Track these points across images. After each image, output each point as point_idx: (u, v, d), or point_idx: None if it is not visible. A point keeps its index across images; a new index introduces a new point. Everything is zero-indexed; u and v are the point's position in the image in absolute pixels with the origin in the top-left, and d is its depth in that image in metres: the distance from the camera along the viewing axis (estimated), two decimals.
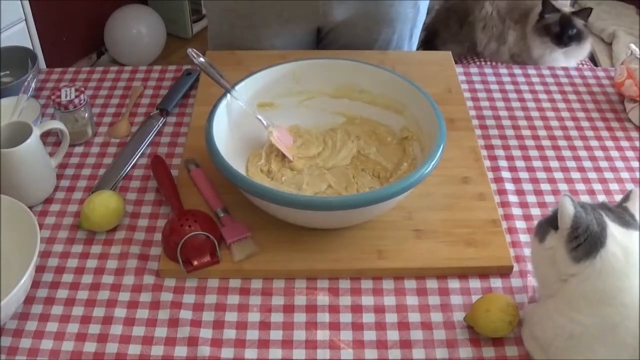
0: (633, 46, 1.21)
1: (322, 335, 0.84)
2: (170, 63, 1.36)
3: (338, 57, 1.09)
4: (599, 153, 1.10)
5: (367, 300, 0.88)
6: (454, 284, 0.90)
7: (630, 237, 0.73)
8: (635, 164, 1.09)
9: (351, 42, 1.29)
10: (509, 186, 1.04)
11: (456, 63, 1.26)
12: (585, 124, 1.16)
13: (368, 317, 0.86)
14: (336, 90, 1.07)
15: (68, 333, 0.84)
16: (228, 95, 0.99)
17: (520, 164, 1.08)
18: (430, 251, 0.92)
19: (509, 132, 1.14)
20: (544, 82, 1.26)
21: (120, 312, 0.86)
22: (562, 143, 1.12)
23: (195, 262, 0.89)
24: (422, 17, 1.35)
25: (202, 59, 0.99)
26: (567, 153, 1.10)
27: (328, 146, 1.05)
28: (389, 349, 0.83)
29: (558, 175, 1.06)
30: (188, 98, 1.20)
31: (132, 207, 1.00)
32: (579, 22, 1.81)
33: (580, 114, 1.18)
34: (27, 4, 2.02)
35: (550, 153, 1.10)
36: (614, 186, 1.04)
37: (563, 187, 1.04)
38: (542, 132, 1.14)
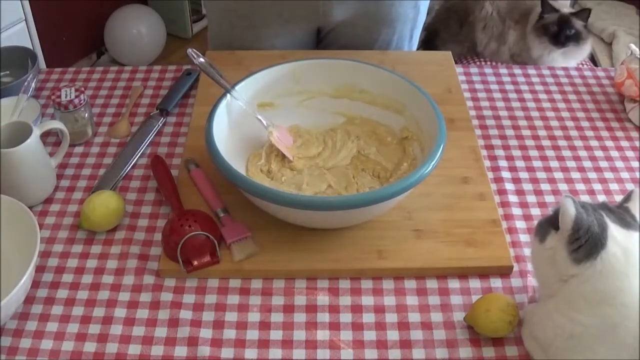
0: (633, 46, 1.21)
1: (322, 335, 0.84)
2: (170, 63, 1.36)
3: (338, 57, 1.09)
4: (599, 153, 1.10)
5: (367, 300, 0.88)
6: (454, 284, 0.90)
7: (631, 238, 0.73)
8: (635, 164, 1.09)
9: (351, 43, 1.29)
10: (509, 186, 1.04)
11: (456, 63, 1.26)
12: (585, 124, 1.16)
13: (368, 317, 0.86)
14: (336, 90, 1.07)
15: (68, 333, 0.84)
16: (228, 95, 0.99)
17: (520, 164, 1.08)
18: (430, 251, 0.92)
19: (509, 132, 1.14)
20: (544, 82, 1.26)
21: (120, 312, 0.86)
22: (562, 143, 1.12)
23: (195, 262, 0.89)
24: (422, 18, 1.35)
25: (202, 59, 0.99)
26: (567, 153, 1.10)
27: (328, 146, 1.05)
28: (389, 349, 0.83)
29: (558, 175, 1.06)
30: (188, 98, 1.20)
31: (132, 207, 1.00)
32: (577, 23, 1.81)
33: (580, 114, 1.18)
34: (27, 4, 2.02)
35: (550, 153, 1.10)
36: (614, 186, 1.04)
37: (563, 187, 1.04)
38: (542, 132, 1.14)
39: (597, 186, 1.04)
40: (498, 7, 1.95)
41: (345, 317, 0.86)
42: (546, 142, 1.12)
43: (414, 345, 0.83)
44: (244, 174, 0.95)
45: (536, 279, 0.84)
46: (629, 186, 1.04)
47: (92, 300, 0.88)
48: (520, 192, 1.03)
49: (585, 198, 1.02)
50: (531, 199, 1.02)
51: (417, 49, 1.44)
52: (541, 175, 1.06)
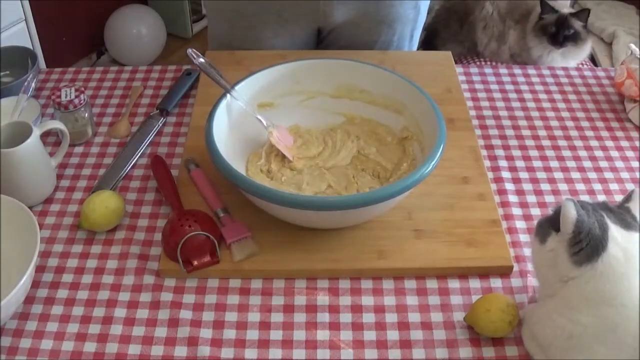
0: (633, 46, 1.21)
1: (322, 335, 0.84)
2: (170, 63, 1.35)
3: (338, 57, 1.09)
4: (599, 153, 1.10)
5: (367, 300, 0.88)
6: (454, 284, 0.90)
7: (631, 239, 0.73)
8: (635, 164, 1.09)
9: (351, 44, 1.29)
10: (509, 186, 1.04)
11: (456, 63, 1.26)
12: (585, 124, 1.16)
13: (368, 317, 0.86)
14: (336, 90, 1.07)
15: (68, 333, 0.84)
16: (228, 95, 0.99)
17: (520, 164, 1.08)
18: (430, 251, 0.92)
19: (509, 132, 1.14)
20: (544, 82, 1.26)
21: (120, 312, 0.86)
22: (562, 143, 1.12)
23: (195, 262, 0.89)
24: (422, 18, 1.35)
25: (201, 60, 0.99)
26: (567, 153, 1.10)
27: (328, 146, 1.05)
28: (389, 349, 0.83)
29: (558, 175, 1.06)
30: (188, 98, 1.20)
31: (132, 207, 1.00)
32: (576, 23, 1.81)
33: (580, 114, 1.18)
34: (27, 4, 2.02)
35: (550, 153, 1.10)
36: (614, 186, 1.04)
37: (563, 187, 1.04)
38: (542, 132, 1.14)
39: (597, 186, 1.04)
40: (498, 7, 1.95)
41: (345, 317, 0.86)
42: (546, 142, 1.12)
43: (414, 345, 0.83)
44: (244, 174, 0.95)
45: (537, 279, 0.84)
46: (629, 186, 1.04)
47: (92, 300, 0.88)
48: (520, 192, 1.03)
49: (585, 198, 1.02)
50: (531, 199, 1.02)
51: (417, 49, 1.43)
52: (541, 175, 1.06)
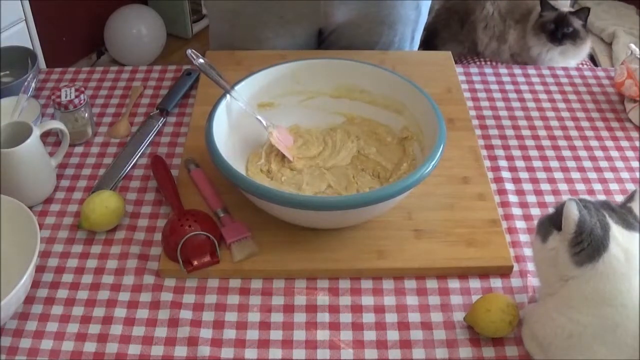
0: (633, 46, 1.21)
1: (322, 335, 0.84)
2: (170, 63, 1.35)
3: (338, 57, 1.09)
4: (599, 153, 1.10)
5: (367, 300, 0.88)
6: (454, 284, 0.90)
7: (632, 239, 0.73)
8: (635, 164, 1.08)
9: (352, 44, 1.29)
10: (509, 186, 1.04)
11: (456, 63, 1.26)
12: (585, 124, 1.16)
13: (368, 317, 0.86)
14: (336, 90, 1.07)
15: (68, 333, 0.84)
16: (228, 95, 0.99)
17: (520, 164, 1.08)
18: (430, 251, 0.92)
19: (509, 132, 1.14)
20: (544, 82, 1.26)
21: (120, 312, 0.86)
22: (562, 143, 1.12)
23: (195, 262, 0.89)
24: (423, 19, 1.35)
25: (201, 60, 0.99)
26: (567, 153, 1.10)
27: (328, 146, 1.05)
28: (389, 349, 0.83)
29: (558, 175, 1.06)
30: (188, 98, 1.20)
31: (132, 207, 1.00)
32: (576, 22, 1.81)
33: (580, 114, 1.18)
34: (27, 4, 2.02)
35: (550, 153, 1.10)
36: (614, 186, 1.04)
37: (563, 187, 1.04)
38: (542, 132, 1.14)
39: (597, 186, 1.04)
40: (499, 7, 1.95)
41: (345, 317, 0.86)
42: (546, 142, 1.12)
43: (414, 345, 0.83)
44: (244, 174, 0.95)
45: (537, 277, 0.84)
46: (629, 186, 1.04)
47: (92, 300, 0.88)
48: (520, 192, 1.03)
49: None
50: (531, 199, 1.02)
51: (418, 49, 1.43)
52: (541, 175, 1.06)
